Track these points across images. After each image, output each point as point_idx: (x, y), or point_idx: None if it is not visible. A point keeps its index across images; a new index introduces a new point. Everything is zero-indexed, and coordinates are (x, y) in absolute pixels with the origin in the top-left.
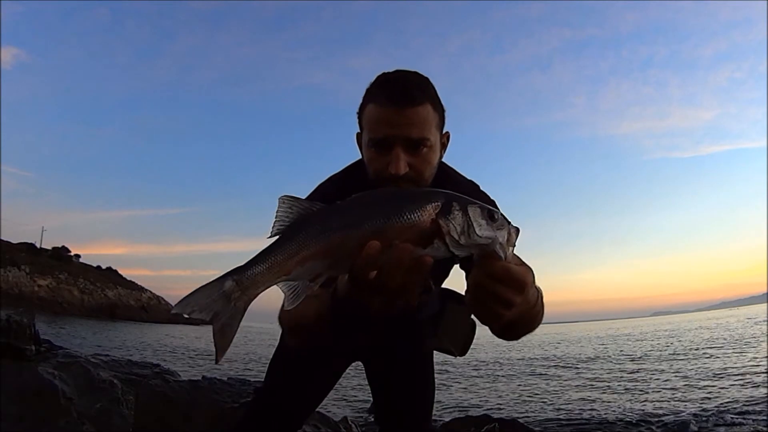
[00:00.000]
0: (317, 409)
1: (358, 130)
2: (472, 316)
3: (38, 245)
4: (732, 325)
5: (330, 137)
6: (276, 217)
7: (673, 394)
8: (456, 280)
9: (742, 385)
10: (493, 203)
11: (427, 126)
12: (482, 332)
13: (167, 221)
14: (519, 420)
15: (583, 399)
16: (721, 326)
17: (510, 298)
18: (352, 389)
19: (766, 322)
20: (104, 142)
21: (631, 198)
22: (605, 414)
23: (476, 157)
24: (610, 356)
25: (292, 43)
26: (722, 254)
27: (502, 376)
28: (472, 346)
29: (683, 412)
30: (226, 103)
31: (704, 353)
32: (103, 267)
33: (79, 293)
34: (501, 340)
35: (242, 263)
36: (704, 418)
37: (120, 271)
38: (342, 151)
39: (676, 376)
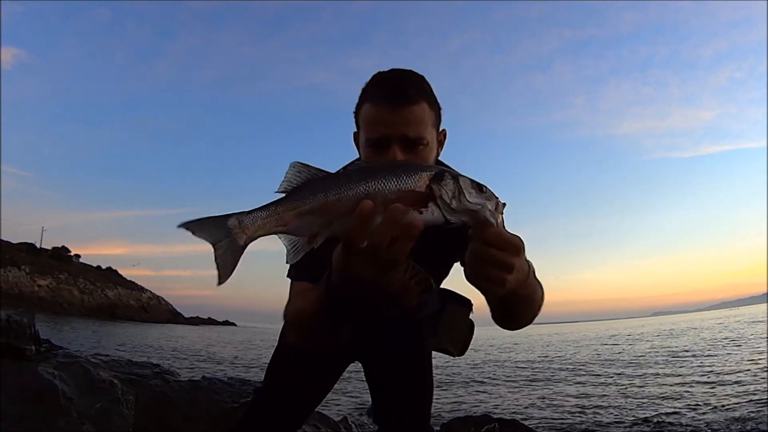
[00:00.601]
0: (317, 409)
1: (355, 130)
2: (471, 316)
3: (38, 245)
4: (732, 325)
5: (330, 137)
6: (284, 178)
7: (673, 395)
8: (456, 280)
9: (742, 386)
10: None
11: (423, 125)
12: (482, 333)
13: (167, 221)
14: (519, 420)
15: (583, 399)
16: (721, 326)
17: (507, 261)
18: (352, 389)
19: (766, 322)
20: (104, 142)
21: (631, 198)
22: (605, 415)
23: (476, 156)
24: (609, 357)
25: (292, 43)
26: (722, 254)
27: (502, 376)
28: (471, 347)
29: (683, 412)
30: (226, 103)
31: (704, 353)
32: (103, 267)
33: (79, 293)
34: (501, 339)
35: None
36: (704, 419)
37: (120, 271)
38: (342, 150)
39: (675, 377)
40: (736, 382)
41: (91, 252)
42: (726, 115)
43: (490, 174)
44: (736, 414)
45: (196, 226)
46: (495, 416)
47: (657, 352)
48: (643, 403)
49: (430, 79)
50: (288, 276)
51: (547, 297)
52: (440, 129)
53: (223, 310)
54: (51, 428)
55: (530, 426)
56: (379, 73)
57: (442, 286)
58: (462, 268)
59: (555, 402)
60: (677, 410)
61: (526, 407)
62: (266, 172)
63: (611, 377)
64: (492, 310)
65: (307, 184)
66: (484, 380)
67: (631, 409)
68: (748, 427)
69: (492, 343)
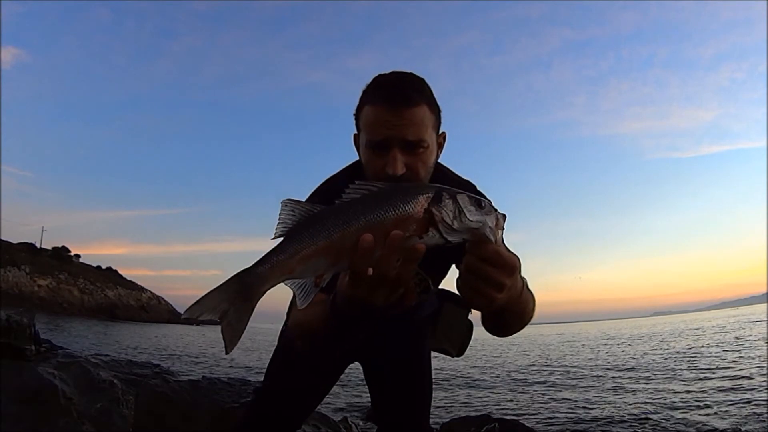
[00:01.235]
0: (317, 409)
1: (356, 131)
2: (470, 317)
3: (38, 245)
4: (732, 325)
5: (330, 137)
6: (279, 220)
7: (673, 395)
8: (454, 281)
9: (742, 386)
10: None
11: (423, 127)
12: (482, 333)
13: (167, 221)
14: (519, 420)
15: (583, 399)
16: (722, 326)
17: (501, 280)
18: (352, 389)
19: (766, 322)
20: (104, 142)
21: (631, 198)
22: (605, 415)
23: (476, 157)
24: (609, 357)
25: (292, 43)
26: (722, 254)
27: (502, 376)
28: (470, 347)
29: (682, 413)
30: (226, 103)
31: (704, 354)
32: (103, 267)
33: (79, 293)
34: (501, 339)
35: (248, 265)
36: (704, 419)
37: (120, 271)
38: (342, 151)
39: (675, 378)
40: (735, 383)
41: (91, 252)
42: (726, 115)
43: (491, 174)
44: (736, 414)
45: (198, 309)
46: (495, 416)
47: (657, 352)
48: (643, 403)
49: (429, 80)
50: None
51: (547, 297)
52: (440, 131)
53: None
54: (51, 428)
55: (530, 426)
56: (380, 75)
57: (440, 286)
58: (458, 268)
59: (555, 402)
60: (677, 410)
61: (526, 407)
62: (266, 172)
63: (611, 377)
64: (482, 317)
65: (305, 225)
66: (484, 380)
67: (631, 409)
68: (749, 427)
69: (491, 344)
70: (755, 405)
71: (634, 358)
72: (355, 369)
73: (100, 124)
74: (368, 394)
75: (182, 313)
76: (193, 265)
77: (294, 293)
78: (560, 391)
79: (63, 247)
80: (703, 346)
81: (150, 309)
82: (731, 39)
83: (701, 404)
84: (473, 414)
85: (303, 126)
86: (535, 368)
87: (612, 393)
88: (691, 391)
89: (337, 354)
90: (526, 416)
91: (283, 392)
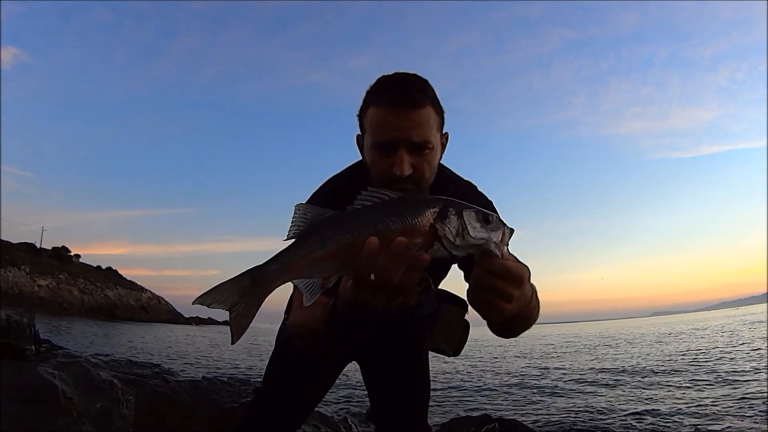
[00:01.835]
0: (317, 409)
1: (359, 132)
2: (467, 317)
3: (38, 245)
4: (732, 325)
5: (330, 137)
6: (292, 223)
7: (673, 395)
8: (455, 281)
9: (742, 386)
10: (489, 203)
11: (428, 128)
12: (481, 333)
13: (167, 221)
14: (518, 420)
15: (583, 399)
16: (721, 326)
17: (509, 292)
18: (352, 389)
19: (766, 322)
20: (104, 142)
21: (631, 198)
22: (604, 415)
23: (476, 157)
24: (609, 357)
25: (292, 43)
26: (722, 254)
27: (502, 376)
28: (469, 347)
29: (682, 413)
30: (226, 103)
31: (704, 354)
32: (103, 267)
33: (79, 293)
34: (501, 339)
35: (248, 265)
36: (704, 419)
37: (120, 271)
38: (342, 151)
39: (675, 378)
40: (735, 383)
41: (91, 252)
42: (726, 115)
43: (491, 174)
44: (736, 414)
45: (209, 298)
46: (495, 416)
47: (657, 352)
48: (643, 403)
49: (430, 79)
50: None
51: (547, 297)
52: (443, 132)
53: (223, 310)
54: (51, 428)
55: (530, 426)
56: (384, 76)
57: (440, 287)
58: (460, 269)
59: (555, 402)
60: (677, 410)
61: (526, 407)
62: (266, 172)
63: (611, 377)
64: (489, 322)
65: (315, 229)
66: (483, 380)
67: (630, 409)
68: (749, 427)
69: (491, 343)
70: (755, 405)
71: (633, 359)
72: (355, 369)
73: (100, 124)
74: (368, 394)
75: (193, 300)
76: (193, 265)
77: (301, 291)
78: (560, 390)
79: (63, 247)
80: (702, 347)
81: (150, 309)
82: (731, 39)
83: (701, 405)
84: (473, 414)
85: (303, 126)
86: (534, 368)
87: (611, 393)
88: (691, 392)
89: (336, 354)
90: (525, 416)
91: (283, 392)
